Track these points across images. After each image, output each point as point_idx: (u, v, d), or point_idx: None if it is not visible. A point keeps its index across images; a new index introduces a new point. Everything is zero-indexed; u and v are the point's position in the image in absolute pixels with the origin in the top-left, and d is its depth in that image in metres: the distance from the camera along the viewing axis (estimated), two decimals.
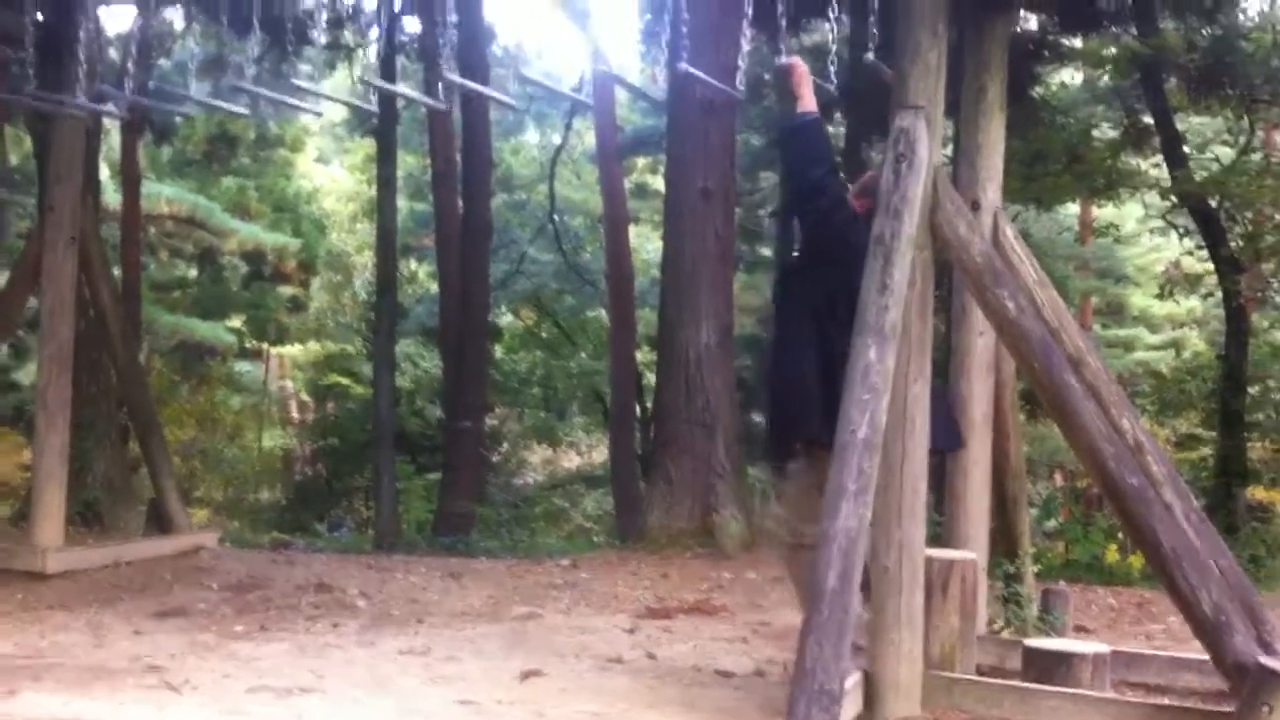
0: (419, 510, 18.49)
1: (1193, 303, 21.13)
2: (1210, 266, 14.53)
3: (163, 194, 19.95)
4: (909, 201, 4.43)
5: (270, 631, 6.71)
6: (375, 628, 6.86)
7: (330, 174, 28.70)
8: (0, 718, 4.73)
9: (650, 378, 19.64)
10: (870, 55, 4.89)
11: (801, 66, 5.09)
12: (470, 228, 14.81)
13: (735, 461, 10.03)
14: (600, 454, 28.66)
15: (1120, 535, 12.45)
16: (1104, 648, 4.93)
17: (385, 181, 14.10)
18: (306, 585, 7.94)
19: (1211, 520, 13.20)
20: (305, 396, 27.91)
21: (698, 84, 8.67)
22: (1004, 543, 6.04)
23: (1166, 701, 4.70)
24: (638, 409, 18.16)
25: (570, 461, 29.18)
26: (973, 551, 5.27)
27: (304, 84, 7.15)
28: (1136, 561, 12.05)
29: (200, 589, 7.81)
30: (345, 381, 24.60)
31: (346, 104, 12.05)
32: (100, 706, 5.00)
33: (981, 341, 5.39)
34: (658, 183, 24.88)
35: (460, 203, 15.46)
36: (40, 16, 7.61)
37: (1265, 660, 4.14)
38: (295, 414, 28.37)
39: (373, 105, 12.04)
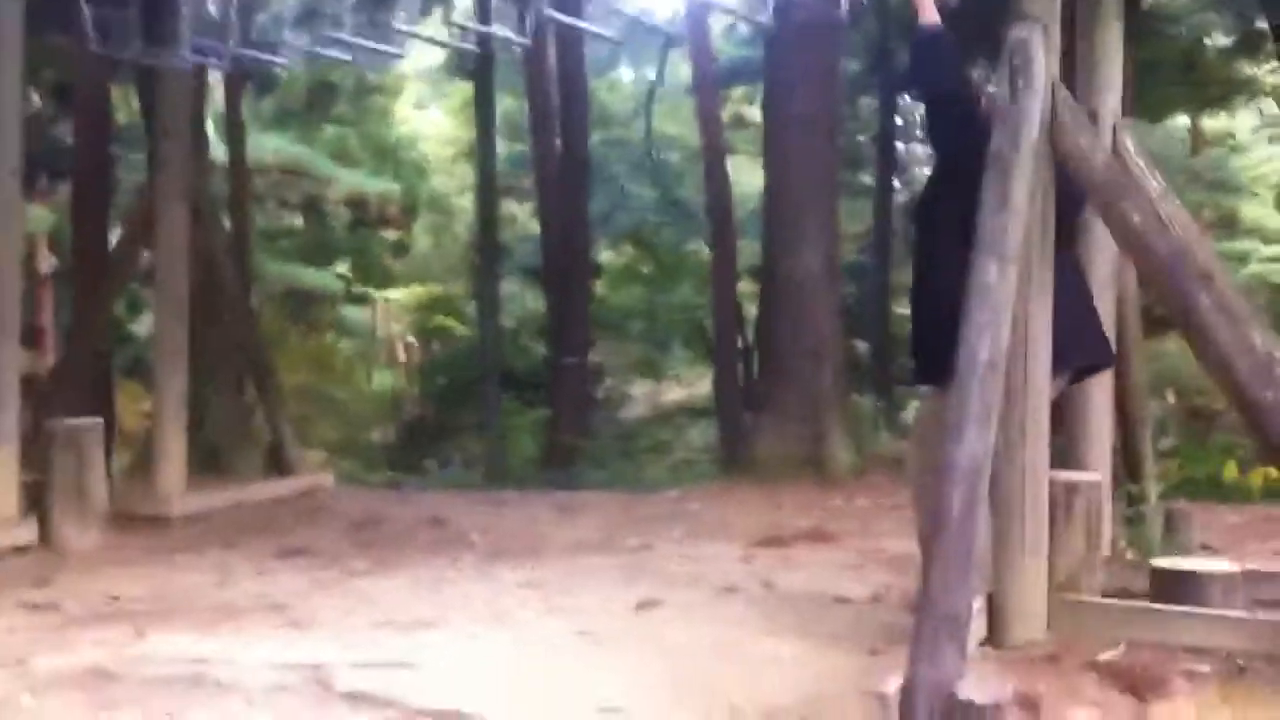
0: (527, 446, 18.68)
1: None
2: None
3: (268, 145, 20.17)
4: (1027, 115, 4.29)
5: (389, 567, 6.83)
6: (491, 561, 6.94)
7: (429, 118, 28.79)
8: (130, 659, 4.85)
9: (752, 310, 19.56)
10: None
11: None
12: (568, 166, 14.80)
13: (842, 389, 9.96)
14: (703, 386, 28.54)
15: (1238, 453, 12.17)
16: (1233, 566, 4.81)
17: (484, 124, 14.12)
18: (422, 522, 8.06)
19: None
20: (411, 338, 28.26)
21: (798, 7, 8.53)
22: (1126, 462, 5.91)
23: None
24: (740, 341, 18.08)
25: (673, 395, 29.21)
26: (1095, 472, 5.15)
27: (402, 27, 7.12)
28: (1256, 478, 11.77)
29: (319, 528, 7.97)
30: (450, 322, 24.86)
31: (442, 44, 12.01)
32: (227, 644, 5.12)
33: (1101, 257, 5.24)
34: (754, 114, 24.60)
35: (558, 142, 15.43)
36: None
37: None
38: (402, 356, 28.74)
39: (468, 45, 11.99)
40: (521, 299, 23.88)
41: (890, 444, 10.70)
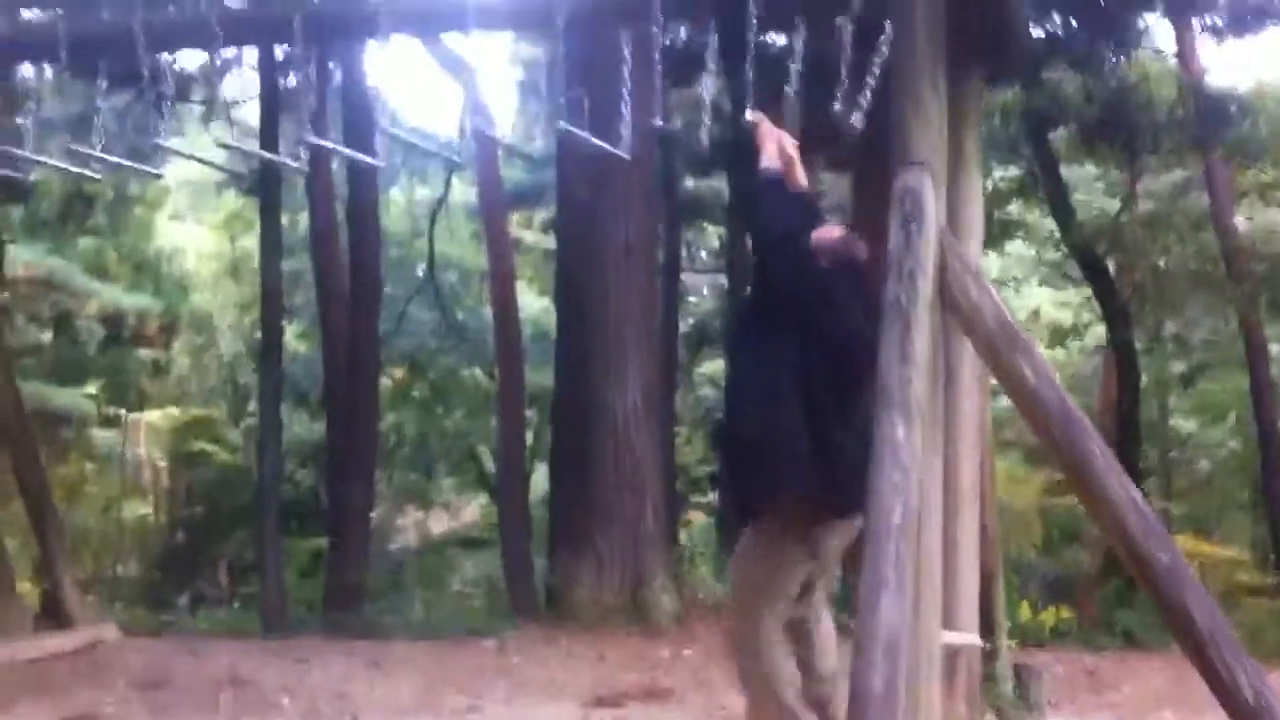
0: (299, 582, 17.72)
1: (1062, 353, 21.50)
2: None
3: (19, 257, 18.89)
4: (922, 264, 4.16)
5: None
6: None
7: (189, 232, 27.64)
8: None
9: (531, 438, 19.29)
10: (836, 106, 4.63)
11: (765, 122, 4.81)
12: (360, 287, 14.27)
13: (664, 526, 9.68)
14: (470, 514, 28.06)
15: (1030, 595, 12.45)
16: None
17: (269, 240, 13.48)
18: (219, 680, 7.34)
19: (1114, 571, 13.24)
20: (164, 464, 26.76)
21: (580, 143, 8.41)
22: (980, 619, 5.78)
23: None
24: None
25: (439, 523, 28.51)
26: (966, 630, 4.99)
27: (166, 143, 6.56)
28: (1048, 618, 12.05)
29: (104, 689, 7.16)
30: (210, 447, 23.63)
31: (219, 168, 11.42)
32: None
33: (968, 404, 5.14)
34: (534, 237, 24.62)
35: (343, 261, 14.92)
36: None
37: None
38: (154, 482, 27.16)
39: (240, 168, 11.45)
40: (291, 424, 22.93)
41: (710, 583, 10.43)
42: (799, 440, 4.25)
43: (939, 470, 4.32)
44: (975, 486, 5.18)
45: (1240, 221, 16.21)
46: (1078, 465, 4.20)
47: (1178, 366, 18.25)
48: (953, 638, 4.63)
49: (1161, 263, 13.70)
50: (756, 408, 4.47)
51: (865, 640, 3.64)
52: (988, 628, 5.82)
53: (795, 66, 4.84)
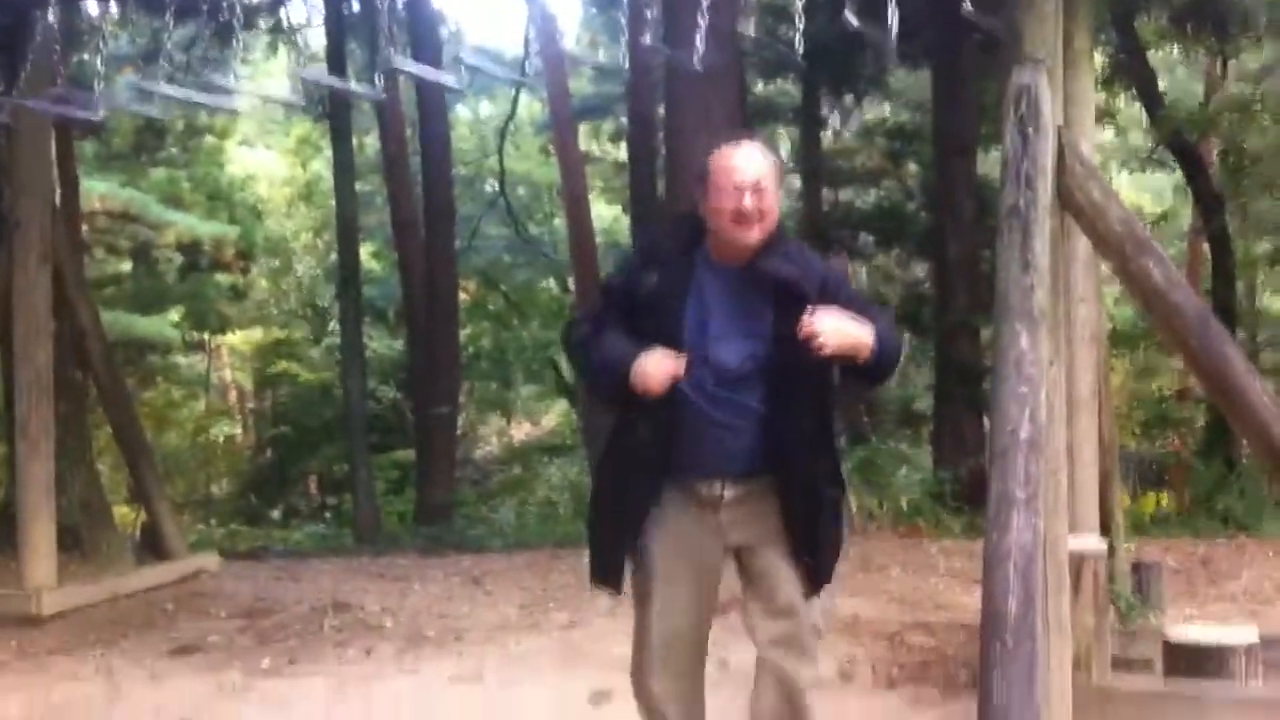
0: (386, 496, 17.94)
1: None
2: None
3: (95, 190, 19.01)
4: (1040, 167, 3.98)
5: (300, 664, 6.18)
6: (413, 651, 6.34)
7: (260, 158, 27.73)
8: None
9: None
10: (968, 4, 4.37)
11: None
12: (433, 210, 14.26)
13: None
14: (550, 421, 28.23)
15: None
16: (1253, 635, 4.56)
17: (343, 166, 13.46)
18: (322, 605, 7.37)
19: (1210, 456, 13.08)
20: (249, 386, 27.16)
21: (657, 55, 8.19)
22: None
23: None
24: None
25: (520, 431, 28.75)
26: (1090, 535, 4.86)
27: (229, 81, 6.40)
28: (1148, 505, 11.91)
29: (209, 619, 7.23)
30: (293, 368, 23.90)
31: (281, 102, 11.36)
32: None
33: (1084, 309, 4.95)
34: (602, 149, 24.40)
35: (416, 185, 14.91)
36: None
37: None
38: (240, 403, 27.61)
39: (300, 100, 11.33)
40: (370, 343, 23.15)
41: None
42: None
43: (1062, 381, 4.17)
44: (1094, 392, 5.01)
45: None
46: (1216, 371, 4.05)
47: (1264, 246, 17.83)
48: (1078, 544, 4.50)
49: (1257, 144, 13.21)
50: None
51: (996, 560, 3.53)
52: (1105, 528, 5.70)
53: None
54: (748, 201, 3.33)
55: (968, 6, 4.35)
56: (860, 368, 3.34)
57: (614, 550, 3.59)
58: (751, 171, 3.36)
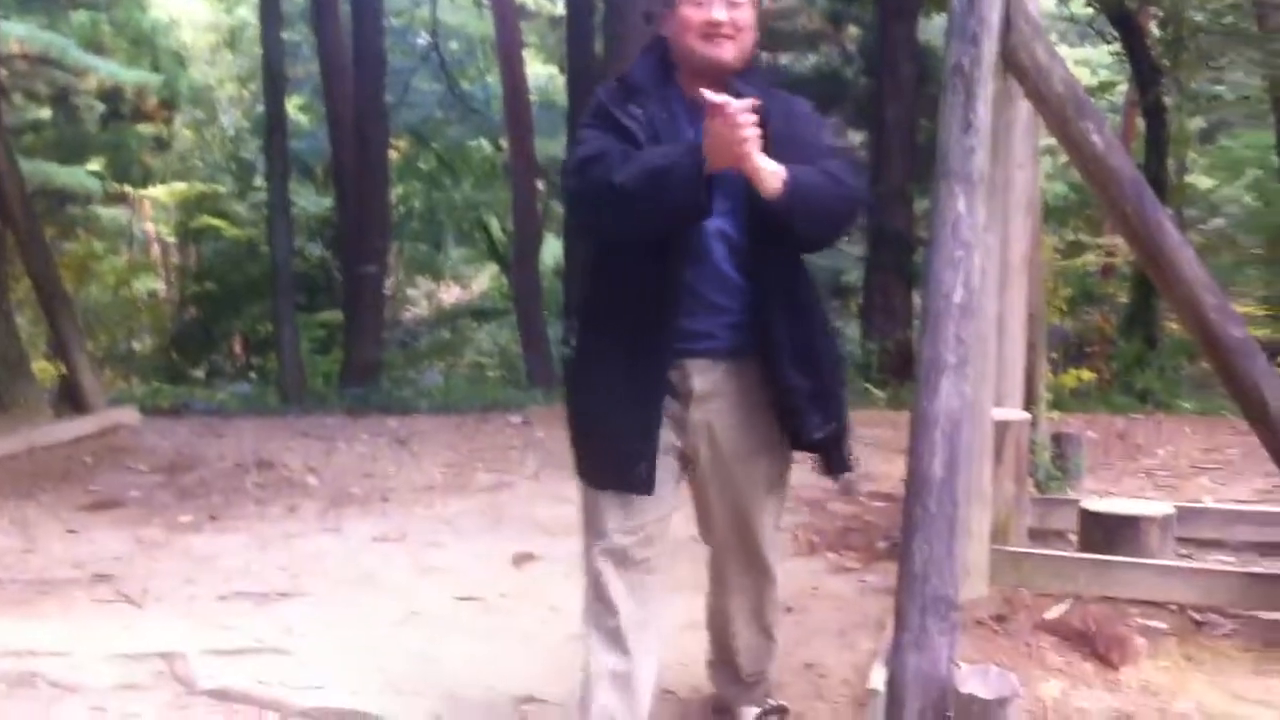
0: (312, 357, 17.77)
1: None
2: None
3: (12, 33, 18.25)
4: (986, 23, 3.85)
5: (222, 521, 6.13)
6: (336, 510, 6.31)
7: (184, 3, 26.73)
8: None
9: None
10: None
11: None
12: (363, 61, 13.83)
13: None
14: (480, 285, 28.03)
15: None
16: (1167, 507, 4.61)
17: (269, 12, 12.98)
18: (245, 462, 7.31)
19: (1131, 333, 13.28)
20: (172, 240, 26.58)
21: None
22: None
23: (1259, 569, 4.38)
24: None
25: (449, 294, 28.52)
26: (1013, 405, 4.86)
27: None
28: (1069, 380, 12.05)
29: (129, 473, 7.14)
30: (218, 223, 23.40)
31: None
32: (54, 630, 4.40)
33: (1021, 175, 4.88)
34: (539, 4, 23.83)
35: (346, 35, 14.44)
36: None
37: None
38: (164, 258, 27.04)
39: None
40: (296, 198, 22.68)
41: None
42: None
43: (996, 246, 4.12)
44: (1026, 260, 4.97)
45: None
46: (1149, 238, 3.99)
47: (1198, 123, 17.89)
48: (1002, 414, 4.50)
49: (1196, 17, 13.10)
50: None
51: (924, 425, 3.48)
52: (1028, 400, 5.72)
53: None
54: (718, 12, 2.85)
55: None
56: (767, 209, 2.73)
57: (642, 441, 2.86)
58: None
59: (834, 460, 3.11)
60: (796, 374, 2.95)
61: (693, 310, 2.86)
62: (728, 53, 2.88)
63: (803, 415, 2.98)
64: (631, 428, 2.86)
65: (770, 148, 2.71)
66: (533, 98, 18.97)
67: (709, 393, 2.94)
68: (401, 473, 7.13)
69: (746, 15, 2.93)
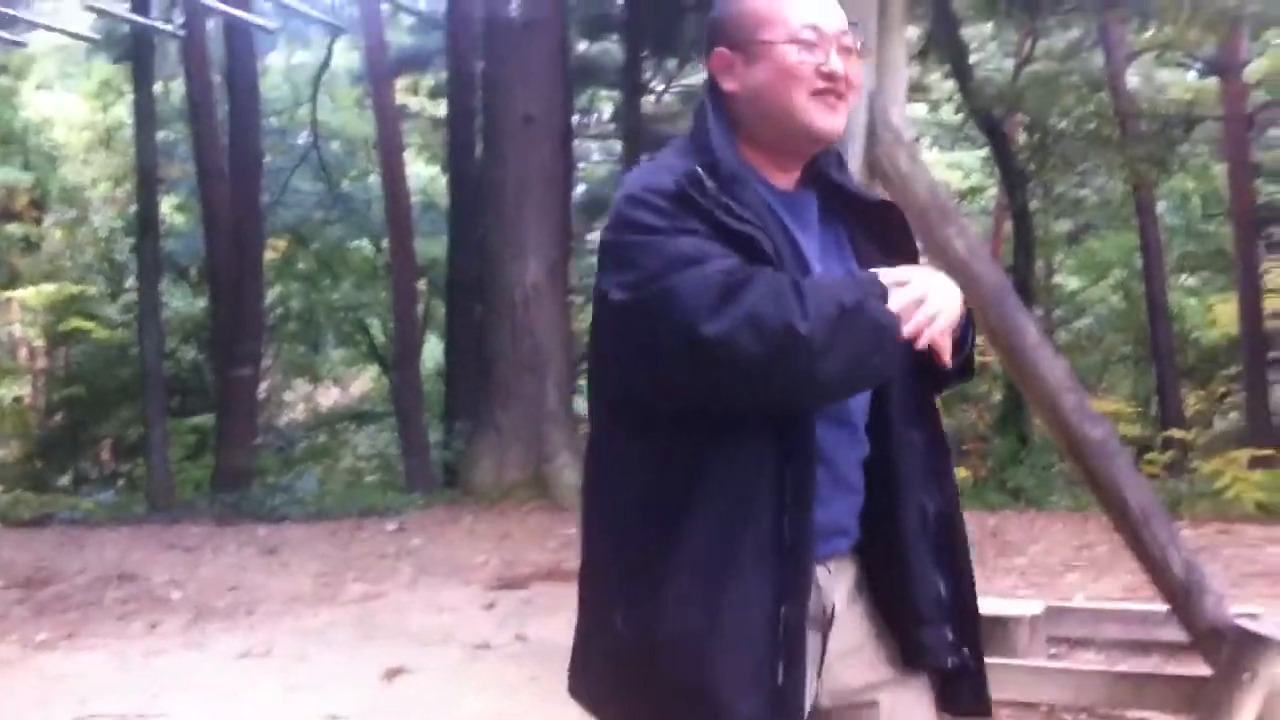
0: (184, 462, 17.28)
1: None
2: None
3: None
4: (851, 133, 3.91)
5: (80, 638, 5.85)
6: (200, 625, 6.07)
7: (58, 102, 26.30)
8: None
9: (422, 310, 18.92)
10: None
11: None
12: (239, 161, 13.68)
13: (566, 402, 9.43)
14: (360, 387, 27.66)
15: None
16: (1037, 606, 4.64)
17: (144, 111, 12.78)
18: (107, 575, 7.02)
19: (1005, 430, 13.56)
20: (40, 343, 25.85)
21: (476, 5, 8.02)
22: None
23: (1125, 669, 4.42)
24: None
25: (328, 398, 28.10)
26: None
27: (23, 13, 6.04)
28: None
29: None
30: (87, 325, 22.83)
31: (79, 37, 10.76)
32: None
33: None
34: (421, 104, 23.90)
35: (224, 135, 14.31)
36: None
37: (1245, 624, 3.88)
38: (31, 361, 26.27)
39: (95, 34, 10.80)
40: (170, 299, 22.24)
41: None
42: None
43: None
44: None
45: (1133, 81, 16.34)
46: (1011, 341, 4.04)
47: (1064, 225, 18.49)
48: None
49: (1060, 123, 13.62)
50: None
51: None
52: None
53: None
54: (835, 61, 1.90)
55: None
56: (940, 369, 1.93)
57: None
58: (837, 13, 1.95)
59: (964, 696, 2.04)
60: (934, 573, 2.00)
61: (828, 495, 1.87)
62: (841, 123, 1.96)
63: (932, 631, 1.98)
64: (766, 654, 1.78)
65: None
66: (414, 198, 18.94)
67: (843, 612, 1.94)
68: (270, 583, 6.90)
69: (858, 70, 1.99)
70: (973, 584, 2.05)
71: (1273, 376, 16.58)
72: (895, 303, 1.76)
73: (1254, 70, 16.85)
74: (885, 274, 1.81)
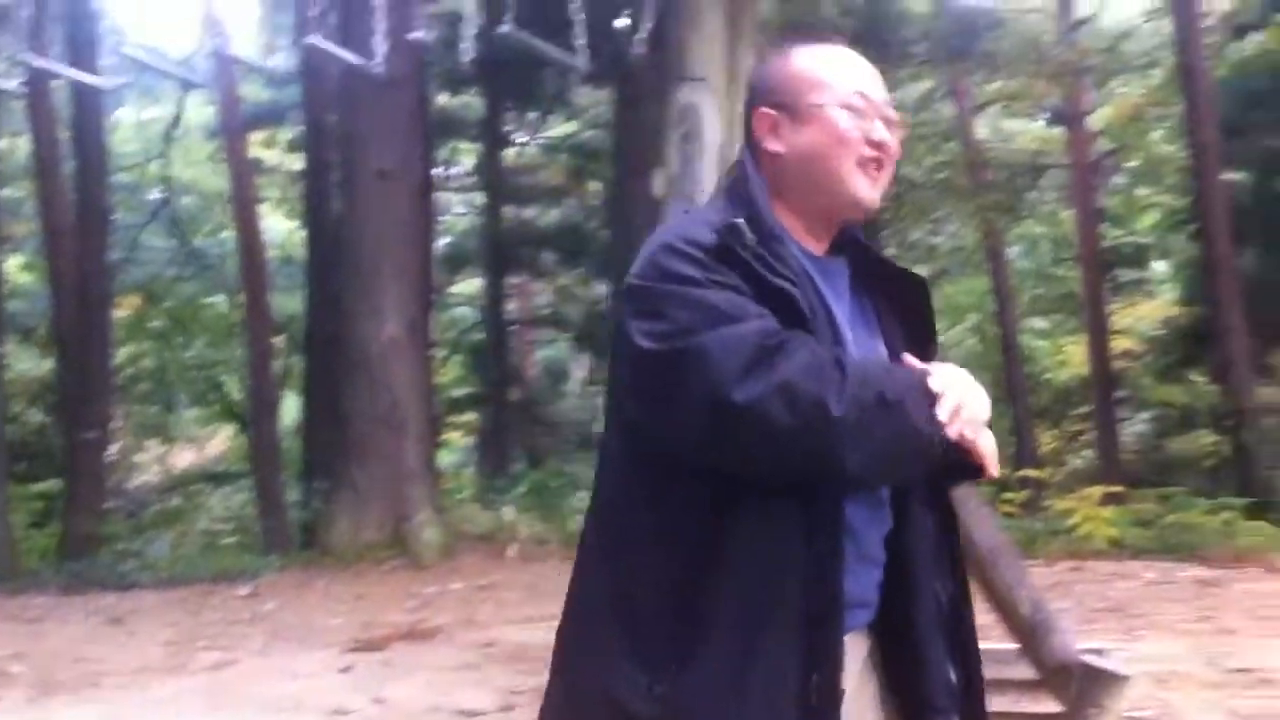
0: (29, 530, 16.62)
1: None
2: None
3: None
4: (701, 185, 3.94)
5: None
6: (43, 699, 5.80)
7: None
8: None
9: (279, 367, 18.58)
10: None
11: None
12: (86, 218, 13.30)
13: (426, 460, 9.29)
14: (216, 447, 26.97)
15: None
16: None
17: None
18: None
19: None
20: None
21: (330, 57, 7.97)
22: None
23: None
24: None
25: (181, 458, 27.33)
26: None
27: None
28: None
29: None
30: None
31: None
32: None
33: None
34: (277, 159, 23.57)
35: (71, 192, 13.93)
36: None
37: (1091, 660, 3.95)
38: None
39: None
40: (13, 361, 21.45)
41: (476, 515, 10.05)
42: None
43: None
44: None
45: (982, 131, 16.88)
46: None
47: (920, 272, 18.90)
48: None
49: (914, 173, 13.96)
50: None
51: None
52: None
53: None
54: (883, 132, 1.91)
55: (624, 23, 4.31)
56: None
57: None
58: (880, 83, 1.96)
59: None
60: (946, 661, 1.96)
61: (854, 566, 1.82)
62: (879, 194, 1.94)
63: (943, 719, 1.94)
64: None
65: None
66: (271, 252, 18.62)
67: (855, 692, 1.85)
68: (117, 654, 6.64)
69: (898, 142, 1.97)
70: (982, 675, 2.00)
71: (1121, 415, 17.13)
72: (943, 410, 1.72)
73: (1098, 119, 17.55)
74: (933, 378, 1.76)
